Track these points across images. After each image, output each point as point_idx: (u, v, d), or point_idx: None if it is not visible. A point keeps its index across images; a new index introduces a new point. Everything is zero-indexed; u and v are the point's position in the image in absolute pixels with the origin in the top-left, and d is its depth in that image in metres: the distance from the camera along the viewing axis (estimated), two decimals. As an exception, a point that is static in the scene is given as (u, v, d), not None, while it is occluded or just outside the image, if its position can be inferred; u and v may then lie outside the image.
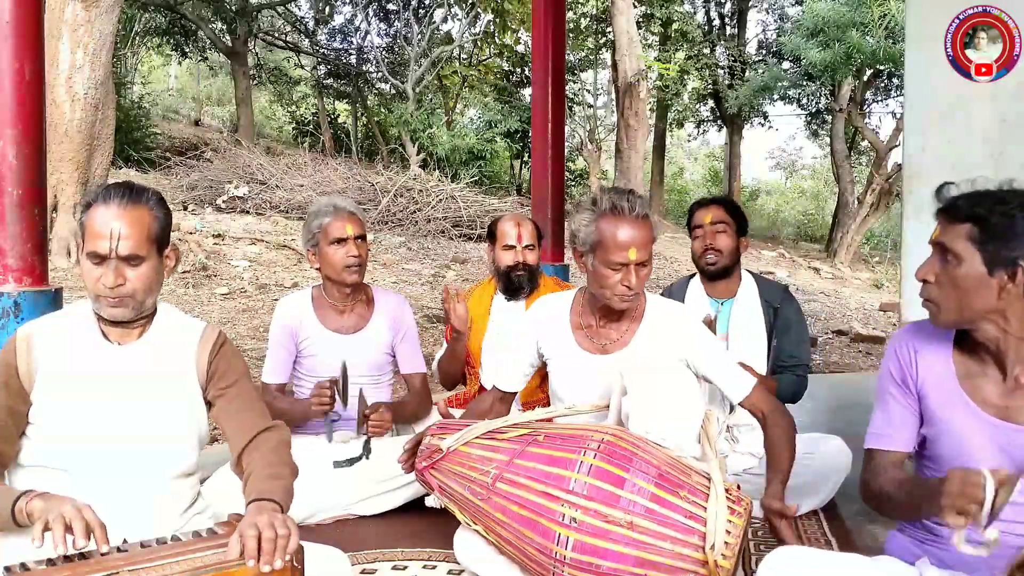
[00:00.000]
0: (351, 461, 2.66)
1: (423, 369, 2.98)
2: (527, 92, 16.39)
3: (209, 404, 1.81)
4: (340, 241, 2.73)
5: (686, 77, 17.01)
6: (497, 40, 16.75)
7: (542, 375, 2.77)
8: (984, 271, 1.51)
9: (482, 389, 3.11)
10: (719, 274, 2.94)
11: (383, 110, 17.46)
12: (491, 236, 3.14)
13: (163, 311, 1.81)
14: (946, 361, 1.65)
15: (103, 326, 1.74)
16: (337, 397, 2.60)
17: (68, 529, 1.40)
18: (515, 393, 2.43)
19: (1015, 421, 1.58)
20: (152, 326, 1.78)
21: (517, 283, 3.07)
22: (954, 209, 1.55)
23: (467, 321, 2.97)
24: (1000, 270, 1.51)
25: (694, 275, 3.06)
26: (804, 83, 15.68)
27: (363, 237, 2.78)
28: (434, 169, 13.20)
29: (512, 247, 3.05)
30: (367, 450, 2.67)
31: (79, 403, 1.68)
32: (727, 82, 17.15)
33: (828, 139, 17.44)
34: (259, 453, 1.71)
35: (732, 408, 2.80)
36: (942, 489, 1.37)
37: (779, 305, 2.92)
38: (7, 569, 1.35)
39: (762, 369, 2.89)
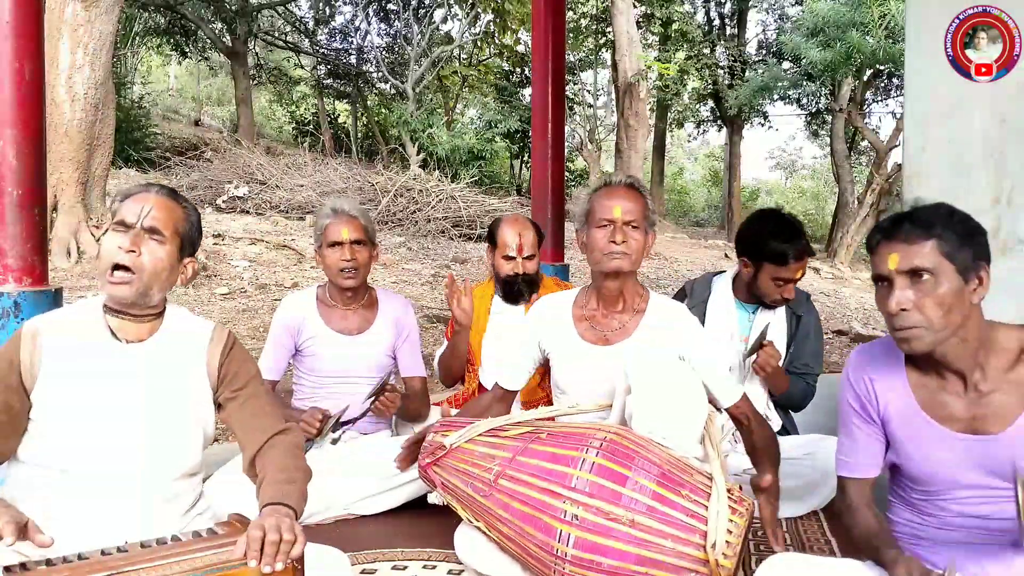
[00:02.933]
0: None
1: (423, 372, 2.98)
2: (527, 92, 16.41)
3: (219, 405, 1.80)
4: (336, 244, 2.74)
5: (686, 77, 17.03)
6: (497, 40, 16.76)
7: (542, 373, 2.76)
8: (961, 281, 1.51)
9: (481, 388, 3.11)
10: None
11: (383, 110, 17.49)
12: (491, 239, 3.09)
13: (172, 311, 1.80)
14: (903, 383, 1.65)
15: (111, 324, 1.72)
16: (324, 428, 2.62)
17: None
18: (515, 393, 2.42)
19: (982, 431, 1.57)
20: (161, 325, 1.76)
21: (516, 292, 3.05)
22: (906, 232, 1.52)
23: (471, 315, 2.96)
24: (971, 276, 1.52)
25: (719, 273, 3.01)
26: (804, 83, 15.70)
27: (362, 241, 2.77)
28: (434, 169, 13.20)
29: (512, 258, 3.01)
30: (333, 436, 2.68)
31: (84, 401, 1.66)
32: (727, 82, 17.17)
33: (828, 139, 17.46)
34: (272, 457, 1.70)
35: None
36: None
37: (802, 314, 2.91)
38: (7, 569, 1.34)
39: None
